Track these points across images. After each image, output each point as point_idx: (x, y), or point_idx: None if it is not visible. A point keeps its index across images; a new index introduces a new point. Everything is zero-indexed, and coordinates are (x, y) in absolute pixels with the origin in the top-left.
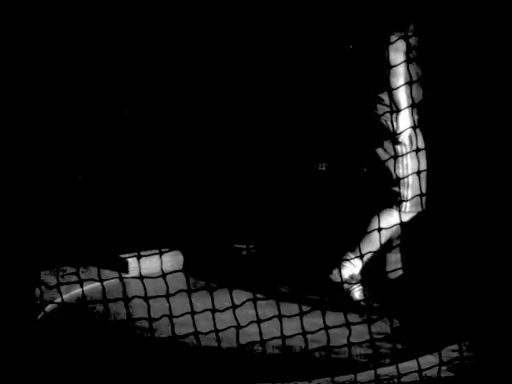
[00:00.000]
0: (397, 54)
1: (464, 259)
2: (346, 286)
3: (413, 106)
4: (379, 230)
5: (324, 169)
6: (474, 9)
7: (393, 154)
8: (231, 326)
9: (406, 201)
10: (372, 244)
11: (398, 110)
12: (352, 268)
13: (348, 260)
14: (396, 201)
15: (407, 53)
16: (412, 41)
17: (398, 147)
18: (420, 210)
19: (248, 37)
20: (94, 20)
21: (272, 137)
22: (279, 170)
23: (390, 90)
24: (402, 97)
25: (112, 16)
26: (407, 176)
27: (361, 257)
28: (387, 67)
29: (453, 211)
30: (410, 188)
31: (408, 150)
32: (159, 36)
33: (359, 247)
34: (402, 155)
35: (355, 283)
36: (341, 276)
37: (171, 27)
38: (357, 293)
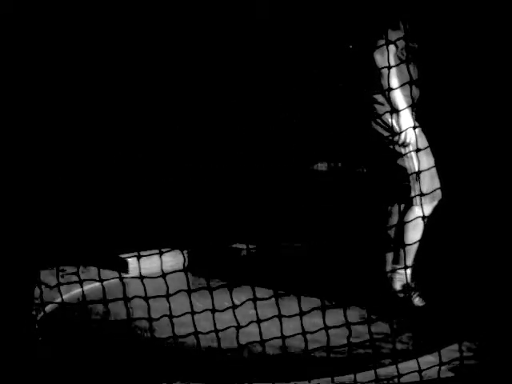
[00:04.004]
0: (385, 55)
1: (468, 258)
2: (403, 296)
3: (412, 105)
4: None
5: (324, 169)
6: (468, 7)
7: (399, 150)
8: (231, 326)
9: (420, 195)
10: (410, 249)
11: (396, 110)
12: (402, 278)
13: (395, 271)
14: (410, 196)
15: (399, 53)
16: (402, 42)
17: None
18: (435, 203)
19: (246, 39)
20: (93, 21)
21: (278, 141)
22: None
23: (384, 91)
24: (398, 97)
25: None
26: (416, 172)
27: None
28: (376, 68)
29: (457, 209)
30: (421, 182)
31: (412, 147)
32: (159, 38)
33: (401, 255)
34: (407, 152)
35: (411, 291)
36: (399, 289)
37: (169, 27)
38: (416, 299)
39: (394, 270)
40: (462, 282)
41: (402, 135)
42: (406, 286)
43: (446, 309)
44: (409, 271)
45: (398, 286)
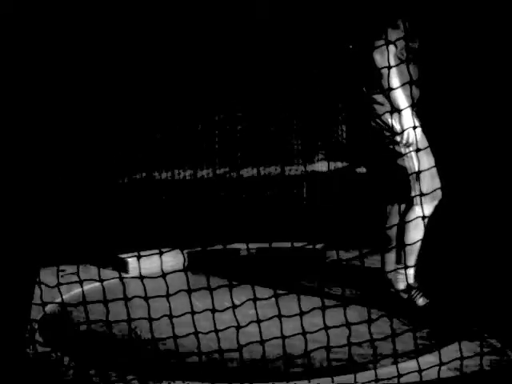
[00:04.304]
0: (385, 56)
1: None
2: (406, 296)
3: (412, 105)
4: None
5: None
6: (467, 6)
7: (400, 150)
8: (231, 326)
9: (420, 195)
10: (413, 248)
11: (397, 110)
12: (405, 278)
13: (398, 271)
14: (410, 196)
15: (398, 53)
16: (402, 42)
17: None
18: (435, 202)
19: (246, 39)
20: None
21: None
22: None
23: (384, 91)
24: (400, 97)
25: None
26: (416, 172)
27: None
28: (376, 69)
29: (458, 208)
30: (421, 181)
31: (414, 147)
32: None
33: (403, 255)
34: (408, 152)
35: (415, 291)
36: (401, 289)
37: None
38: (420, 300)
39: (396, 270)
40: (465, 281)
41: (405, 135)
42: (409, 286)
43: (449, 308)
44: (412, 271)
45: (401, 285)
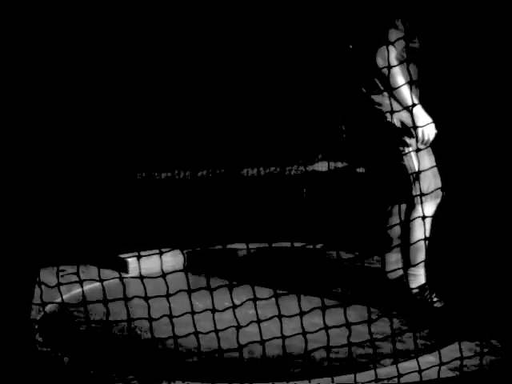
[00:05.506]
0: (386, 57)
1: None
2: (421, 297)
3: (412, 105)
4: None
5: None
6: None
7: (400, 149)
8: (231, 326)
9: (421, 194)
10: (418, 248)
11: (406, 108)
12: (417, 279)
13: (410, 271)
14: (412, 195)
15: (398, 55)
16: (402, 42)
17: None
18: (438, 200)
19: (246, 39)
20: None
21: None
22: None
23: (387, 91)
24: (407, 95)
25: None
26: (417, 172)
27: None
28: (378, 70)
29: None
30: (422, 180)
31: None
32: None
33: (411, 255)
34: (408, 152)
35: (429, 292)
36: (414, 289)
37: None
38: (433, 299)
39: (408, 271)
40: (466, 281)
41: (419, 133)
42: (422, 286)
43: (461, 307)
44: (423, 271)
45: (414, 285)
